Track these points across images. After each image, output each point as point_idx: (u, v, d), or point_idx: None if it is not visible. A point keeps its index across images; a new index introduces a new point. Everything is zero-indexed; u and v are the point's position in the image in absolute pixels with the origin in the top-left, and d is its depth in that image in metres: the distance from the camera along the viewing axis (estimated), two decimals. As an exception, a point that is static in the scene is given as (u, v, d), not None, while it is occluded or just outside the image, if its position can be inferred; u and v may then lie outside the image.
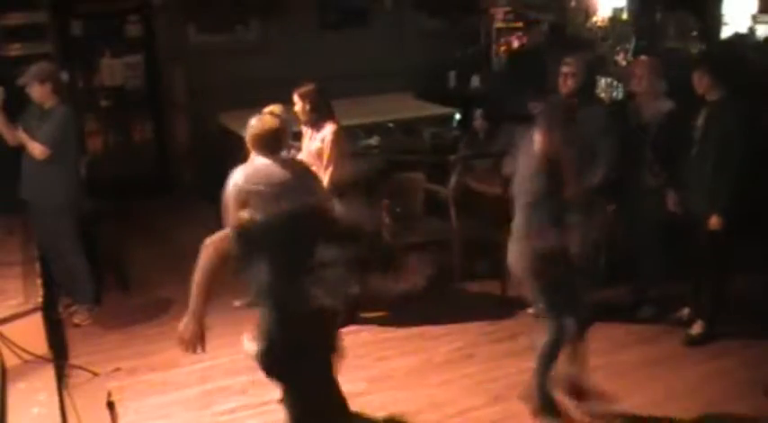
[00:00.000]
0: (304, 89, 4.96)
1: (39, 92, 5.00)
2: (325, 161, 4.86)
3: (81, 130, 5.56)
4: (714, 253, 4.76)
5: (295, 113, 5.01)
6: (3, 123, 4.94)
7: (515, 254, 4.00)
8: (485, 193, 6.02)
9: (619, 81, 7.17)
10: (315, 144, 4.95)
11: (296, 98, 4.97)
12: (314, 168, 4.96)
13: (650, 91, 4.91)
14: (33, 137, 4.96)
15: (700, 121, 4.64)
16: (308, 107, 4.94)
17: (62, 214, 5.13)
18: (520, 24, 8.77)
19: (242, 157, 5.24)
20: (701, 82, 4.63)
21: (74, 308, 5.41)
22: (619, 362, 4.73)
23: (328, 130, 4.90)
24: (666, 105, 4.86)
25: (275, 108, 5.21)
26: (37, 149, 4.95)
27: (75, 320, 5.34)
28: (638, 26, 7.96)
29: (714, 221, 4.60)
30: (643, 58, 5.43)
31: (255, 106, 5.31)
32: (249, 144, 3.54)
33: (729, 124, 4.53)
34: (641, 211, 5.03)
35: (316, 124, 4.96)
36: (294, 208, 3.27)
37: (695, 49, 7.30)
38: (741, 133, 4.53)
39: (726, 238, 4.68)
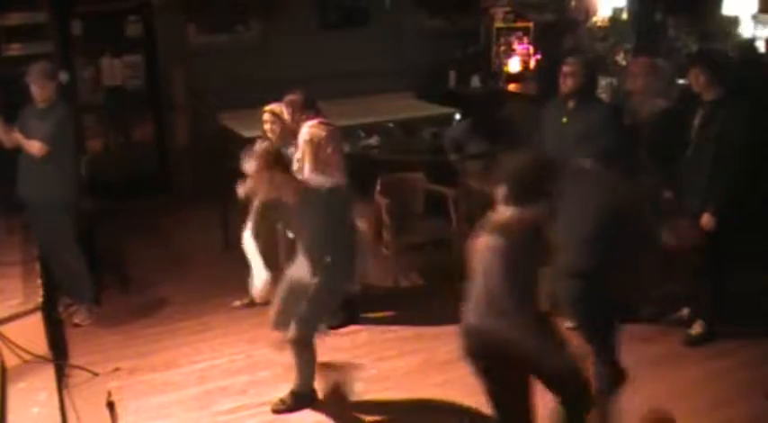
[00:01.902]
0: (289, 98, 5.05)
1: (39, 90, 5.00)
2: (303, 160, 4.91)
3: (81, 129, 5.54)
4: (713, 253, 4.76)
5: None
6: (0, 124, 4.96)
7: None
8: (485, 192, 6.02)
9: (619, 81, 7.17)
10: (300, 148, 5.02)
11: (282, 107, 5.08)
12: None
13: (645, 91, 4.91)
14: (31, 135, 4.97)
15: (697, 120, 4.64)
16: (289, 115, 5.03)
17: (60, 213, 5.13)
18: (522, 24, 8.78)
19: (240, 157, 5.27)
20: (697, 81, 4.63)
21: (74, 308, 5.41)
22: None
23: (303, 132, 4.96)
24: (660, 104, 4.85)
25: (275, 107, 5.26)
26: (35, 147, 4.95)
27: (76, 320, 5.34)
28: (638, 26, 7.96)
29: (706, 220, 4.59)
30: (641, 58, 5.43)
31: (255, 106, 5.36)
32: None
33: (727, 124, 4.53)
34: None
35: (296, 130, 5.03)
36: None
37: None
38: (739, 133, 4.52)
39: (724, 238, 4.67)
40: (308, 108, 5.00)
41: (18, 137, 4.99)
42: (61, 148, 5.01)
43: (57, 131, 4.99)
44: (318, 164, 4.86)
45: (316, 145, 4.89)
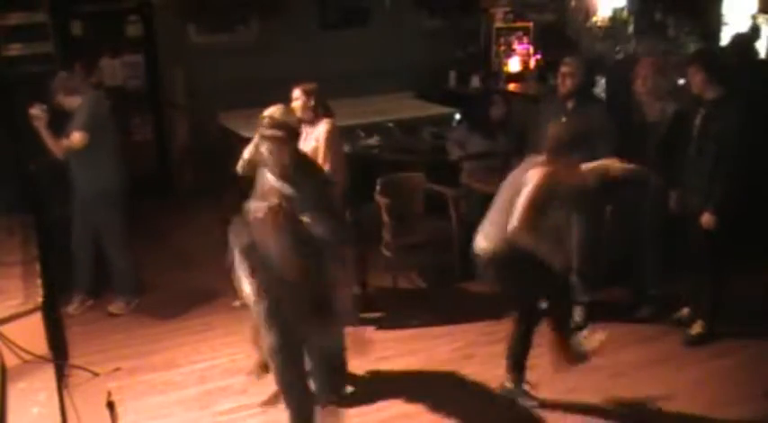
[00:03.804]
0: (309, 86, 4.97)
1: (60, 101, 5.19)
2: (320, 159, 4.86)
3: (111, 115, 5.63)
4: (712, 253, 4.76)
5: (293, 111, 5.02)
6: (50, 138, 5.10)
7: None
8: (485, 192, 6.02)
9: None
10: (310, 144, 4.94)
11: (299, 93, 4.95)
12: None
13: (654, 91, 4.90)
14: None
15: (697, 120, 4.64)
16: (311, 103, 4.94)
17: (112, 201, 5.33)
18: (522, 24, 8.79)
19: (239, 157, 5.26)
20: (694, 80, 4.63)
21: (90, 302, 5.57)
22: (619, 362, 4.73)
23: (322, 128, 4.89)
24: (671, 107, 4.86)
25: (276, 110, 5.21)
26: (75, 138, 5.10)
27: (111, 309, 5.48)
28: (638, 26, 7.97)
29: (707, 219, 4.60)
30: (647, 58, 5.42)
31: (255, 106, 5.33)
32: None
33: (727, 123, 4.53)
34: (642, 210, 5.03)
35: (313, 122, 4.97)
36: None
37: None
38: (739, 133, 4.52)
39: (724, 238, 4.68)
40: (323, 98, 5.00)
41: (65, 142, 5.15)
42: (99, 134, 5.17)
43: (88, 118, 5.14)
44: (335, 158, 4.87)
45: (336, 139, 4.92)
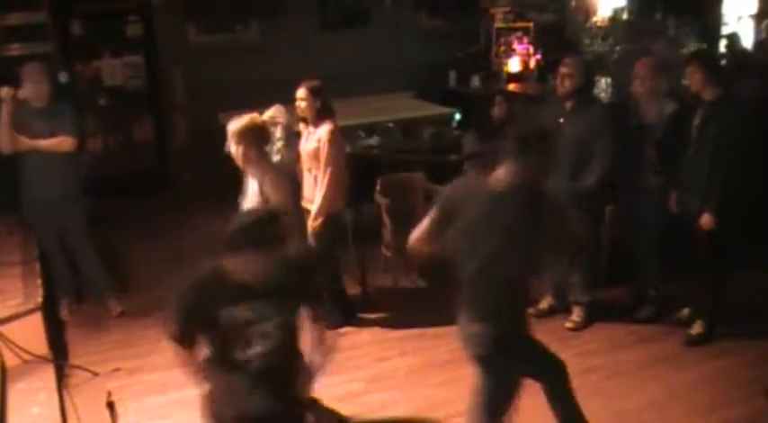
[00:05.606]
0: (315, 84, 4.91)
1: (39, 89, 4.98)
2: (323, 162, 4.84)
3: (81, 129, 5.62)
4: (712, 253, 4.76)
5: (296, 109, 5.01)
6: (7, 129, 4.90)
7: None
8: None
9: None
10: (311, 145, 4.92)
11: (305, 93, 4.90)
12: (312, 170, 4.97)
13: (652, 92, 4.90)
14: (41, 135, 4.98)
15: (696, 120, 4.64)
16: (317, 104, 4.91)
17: (79, 204, 5.28)
18: (522, 24, 8.80)
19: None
20: (693, 79, 4.63)
21: (74, 306, 5.49)
22: (619, 362, 4.73)
23: (324, 129, 4.86)
24: (670, 106, 4.86)
25: (274, 113, 5.20)
26: (68, 142, 5.05)
27: (113, 312, 5.45)
28: (639, 26, 7.98)
29: (705, 220, 4.60)
30: (646, 59, 5.43)
31: (255, 106, 5.34)
32: None
33: (725, 123, 4.53)
34: (641, 211, 5.03)
35: (315, 122, 4.94)
36: None
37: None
38: (737, 132, 4.52)
39: (723, 238, 4.68)
40: (327, 97, 4.97)
41: (27, 141, 4.97)
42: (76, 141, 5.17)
43: (76, 125, 5.13)
44: (337, 160, 4.87)
45: (338, 140, 4.90)
